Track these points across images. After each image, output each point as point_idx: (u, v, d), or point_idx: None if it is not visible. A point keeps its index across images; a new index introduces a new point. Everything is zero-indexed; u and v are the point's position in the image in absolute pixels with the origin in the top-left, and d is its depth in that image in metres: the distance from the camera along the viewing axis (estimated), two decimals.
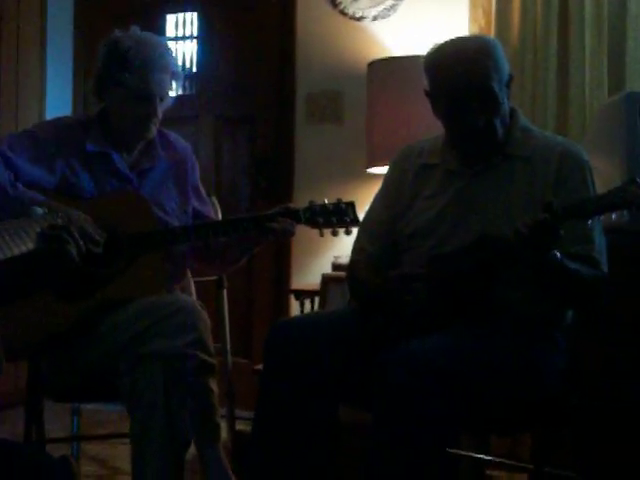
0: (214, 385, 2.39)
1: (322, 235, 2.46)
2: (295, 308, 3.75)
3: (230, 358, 3.03)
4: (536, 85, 3.44)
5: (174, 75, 2.54)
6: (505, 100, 2.23)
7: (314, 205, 2.45)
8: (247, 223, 2.44)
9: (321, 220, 2.44)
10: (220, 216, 2.87)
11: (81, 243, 2.05)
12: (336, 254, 3.58)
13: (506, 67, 2.23)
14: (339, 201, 2.46)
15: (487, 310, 2.13)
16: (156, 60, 2.46)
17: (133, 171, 2.54)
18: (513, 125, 2.29)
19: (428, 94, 2.30)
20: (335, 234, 2.46)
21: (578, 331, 2.31)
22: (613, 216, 1.96)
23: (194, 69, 4.51)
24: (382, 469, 1.93)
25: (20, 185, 2.36)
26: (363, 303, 2.30)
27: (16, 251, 1.87)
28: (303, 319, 2.39)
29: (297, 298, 3.62)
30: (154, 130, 2.55)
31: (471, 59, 2.16)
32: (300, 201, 2.49)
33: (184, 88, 4.38)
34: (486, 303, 2.12)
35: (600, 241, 2.19)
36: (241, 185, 4.32)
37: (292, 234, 2.45)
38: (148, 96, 2.47)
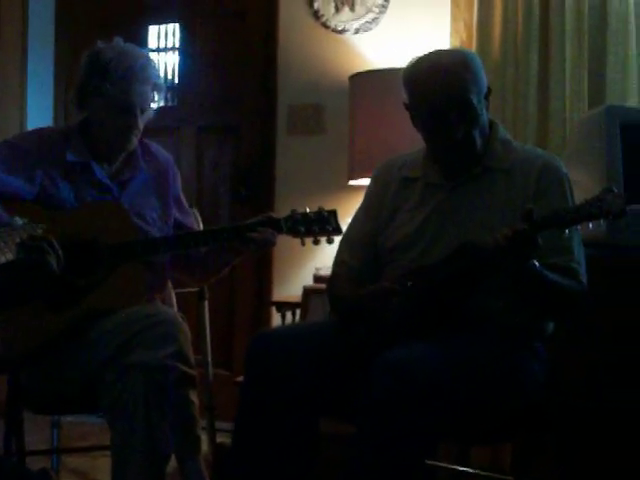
0: (195, 397, 2.39)
1: (304, 244, 2.46)
2: (276, 320, 3.74)
3: (211, 370, 3.03)
4: (517, 98, 3.46)
5: (156, 87, 2.55)
6: (484, 112, 2.24)
7: (296, 214, 2.46)
8: (228, 233, 2.44)
9: (303, 229, 2.44)
10: (201, 227, 2.87)
11: (60, 253, 2.05)
12: (318, 265, 3.58)
13: (484, 80, 2.24)
14: (321, 209, 2.47)
15: (468, 319, 2.14)
16: (137, 72, 2.46)
17: (114, 181, 2.55)
18: (492, 137, 2.31)
19: (407, 107, 2.31)
20: (317, 243, 2.46)
21: (559, 341, 2.32)
22: (590, 226, 1.97)
23: (176, 80, 4.51)
24: (362, 479, 1.93)
25: None
26: (342, 316, 2.30)
27: None
28: (284, 330, 2.39)
29: (279, 310, 3.61)
30: (135, 141, 2.55)
31: (449, 72, 2.17)
32: (282, 212, 2.49)
33: (166, 100, 4.38)
34: (467, 312, 2.13)
35: (579, 252, 2.21)
36: (222, 195, 4.31)
37: (273, 244, 2.45)
38: (129, 107, 2.47)
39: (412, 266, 2.22)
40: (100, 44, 2.52)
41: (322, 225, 2.45)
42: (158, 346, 2.19)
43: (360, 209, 2.50)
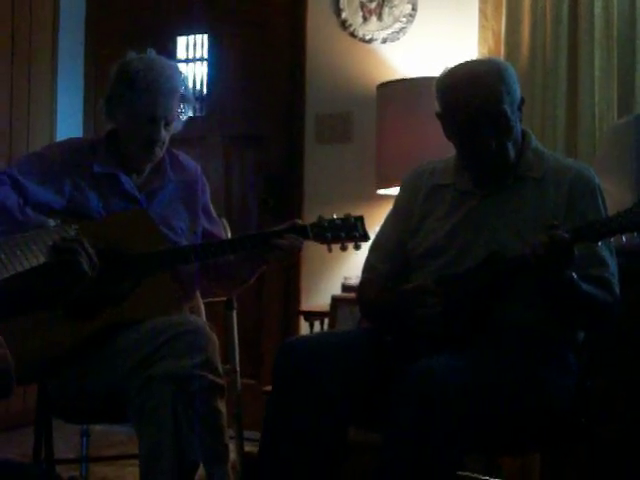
0: (223, 406, 2.36)
1: (330, 250, 2.44)
2: (305, 329, 3.74)
3: (239, 379, 3.02)
4: (545, 106, 3.43)
5: (183, 98, 2.55)
6: (517, 123, 2.23)
7: (322, 220, 2.44)
8: (254, 240, 2.43)
9: (329, 235, 2.42)
10: (229, 236, 2.86)
11: (93, 255, 2.05)
12: (346, 275, 3.57)
13: (518, 90, 2.23)
14: (348, 215, 2.45)
15: (498, 328, 2.12)
16: (162, 83, 2.46)
17: (142, 192, 2.55)
18: (525, 147, 2.30)
19: (440, 116, 2.30)
20: (344, 249, 2.44)
21: (590, 350, 2.29)
22: (624, 238, 1.95)
23: (204, 91, 4.51)
24: None
25: (29, 209, 2.36)
26: (374, 322, 2.29)
27: (27, 265, 1.86)
28: (312, 339, 2.37)
29: (307, 319, 3.61)
30: (159, 153, 2.55)
31: (483, 83, 2.16)
32: (309, 219, 2.48)
33: (194, 110, 4.38)
34: (497, 321, 2.12)
35: (612, 263, 2.19)
36: (250, 205, 4.31)
37: (299, 250, 2.44)
38: (153, 119, 2.47)
39: (444, 273, 2.21)
40: (132, 54, 2.53)
41: (349, 231, 2.43)
42: (187, 355, 2.18)
43: (390, 215, 2.50)
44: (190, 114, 2.65)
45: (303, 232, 2.43)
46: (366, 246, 2.48)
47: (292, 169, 4.15)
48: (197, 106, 4.42)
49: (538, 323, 2.14)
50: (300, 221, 2.47)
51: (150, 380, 2.15)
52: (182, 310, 2.54)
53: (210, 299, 2.92)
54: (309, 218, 2.47)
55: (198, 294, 2.77)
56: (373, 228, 2.51)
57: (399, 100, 3.41)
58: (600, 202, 2.22)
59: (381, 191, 3.53)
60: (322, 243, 2.44)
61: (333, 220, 2.44)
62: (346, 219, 2.45)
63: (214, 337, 2.29)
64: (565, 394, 2.19)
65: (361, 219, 2.46)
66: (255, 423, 2.51)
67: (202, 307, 2.83)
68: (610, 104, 3.33)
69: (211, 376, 2.22)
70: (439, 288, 2.15)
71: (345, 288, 3.51)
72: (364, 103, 3.83)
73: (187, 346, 2.19)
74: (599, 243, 2.01)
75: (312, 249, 2.50)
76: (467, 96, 2.16)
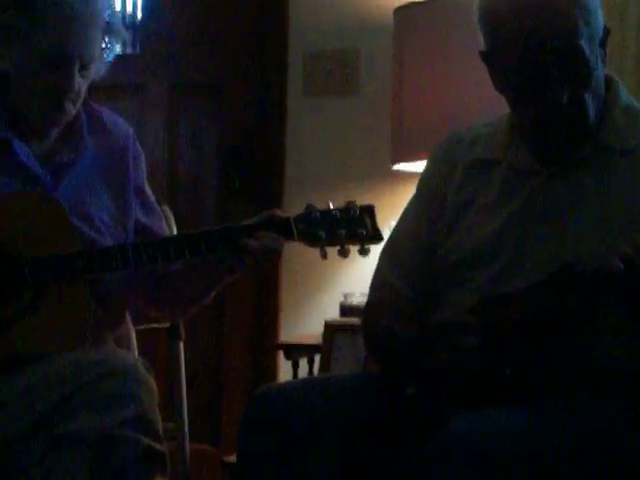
0: None
1: (325, 257, 2.44)
2: (285, 371, 3.75)
3: (188, 444, 3.02)
4: None
5: (109, 29, 2.55)
6: (599, 65, 2.23)
7: (313, 211, 2.44)
8: (212, 239, 2.43)
9: (323, 234, 2.42)
10: (175, 232, 2.87)
11: None
12: (346, 291, 3.59)
13: (600, 17, 2.23)
14: (350, 204, 2.45)
15: (573, 372, 2.13)
16: (78, 6, 2.46)
17: (46, 166, 2.55)
18: (611, 102, 2.30)
19: (485, 57, 2.30)
20: (344, 254, 2.44)
21: None
22: None
23: (138, 17, 4.52)
24: None
25: None
26: (386, 365, 2.28)
27: None
28: (297, 387, 2.37)
29: (289, 356, 3.62)
30: (71, 110, 2.54)
31: (549, 6, 2.16)
32: (293, 208, 2.48)
33: (124, 46, 4.39)
34: (572, 362, 2.13)
35: None
36: (206, 185, 4.32)
37: (278, 255, 2.44)
38: (62, 60, 2.46)
39: (489, 293, 2.21)
40: None
41: (352, 228, 2.43)
42: (110, 408, 2.17)
43: (411, 205, 2.51)
44: (118, 51, 2.65)
45: (285, 228, 2.43)
46: (377, 250, 2.49)
47: (268, 133, 4.16)
48: (129, 40, 4.43)
49: (624, 365, 2.15)
50: (280, 212, 2.47)
51: (56, 444, 2.15)
52: (104, 342, 2.54)
53: (146, 325, 2.92)
54: (293, 208, 2.48)
55: (128, 318, 2.77)
56: (387, 221, 2.52)
57: (427, 30, 3.44)
58: None
59: (399, 167, 3.56)
60: (312, 245, 2.44)
61: (329, 211, 2.44)
62: (347, 210, 2.45)
63: (151, 381, 2.29)
64: None
65: (370, 210, 2.46)
66: None
67: (133, 337, 2.83)
68: None
69: (146, 439, 2.22)
70: (480, 320, 2.15)
71: (345, 310, 3.53)
72: (375, 36, 3.87)
73: (111, 394, 2.18)
74: None
75: (297, 251, 2.50)
76: (526, 26, 2.16)
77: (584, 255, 2.10)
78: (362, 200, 2.49)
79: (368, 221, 2.45)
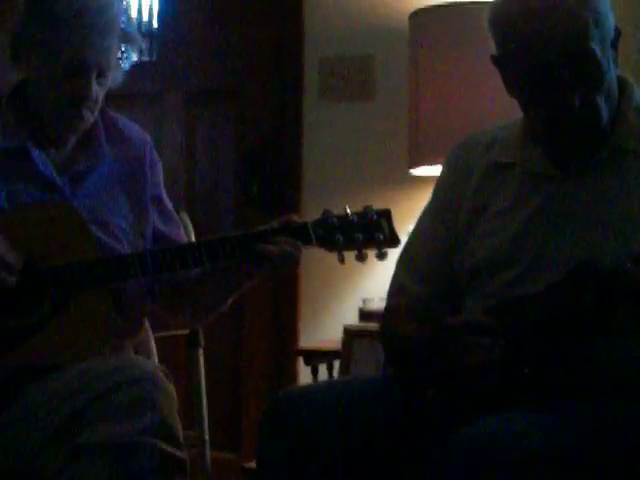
0: None
1: (343, 262, 2.44)
2: (305, 376, 3.75)
3: (209, 451, 3.03)
4: None
5: (125, 37, 2.56)
6: (611, 67, 2.22)
7: (330, 216, 2.44)
8: (231, 246, 2.43)
9: (341, 238, 2.43)
10: (193, 239, 2.87)
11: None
12: (365, 296, 3.59)
13: (611, 19, 2.22)
14: (367, 209, 2.45)
15: (593, 374, 2.12)
16: (94, 16, 2.47)
17: (64, 174, 2.56)
18: (624, 104, 2.29)
19: (496, 61, 2.30)
20: (362, 259, 2.45)
21: None
22: None
23: (154, 25, 4.52)
24: None
25: None
26: (404, 369, 2.29)
27: None
28: (316, 391, 2.37)
29: (308, 362, 3.62)
30: (89, 117, 2.55)
31: (560, 9, 2.15)
32: (310, 214, 2.48)
33: (141, 54, 4.40)
34: (586, 366, 2.12)
35: None
36: (224, 192, 4.32)
37: (297, 260, 2.45)
38: (80, 69, 2.48)
39: (506, 296, 2.21)
40: None
41: (369, 232, 2.44)
42: (129, 416, 2.18)
43: (427, 210, 2.50)
44: (135, 59, 2.65)
45: (302, 234, 2.44)
46: (395, 254, 2.49)
47: (284, 139, 4.16)
48: (145, 48, 4.43)
49: None
50: (297, 217, 2.48)
51: (76, 453, 2.15)
52: (123, 349, 2.55)
53: (165, 333, 2.92)
54: (310, 211, 2.48)
55: (147, 325, 2.78)
56: (405, 226, 2.52)
57: (443, 35, 3.43)
58: None
59: (416, 171, 3.55)
60: (330, 250, 2.45)
61: (346, 216, 2.45)
62: (365, 215, 2.45)
63: (171, 388, 2.29)
64: None
65: (387, 214, 2.46)
66: None
67: (153, 344, 2.84)
68: None
69: (166, 446, 2.22)
70: (498, 321, 2.14)
71: (364, 315, 3.52)
72: (391, 41, 3.86)
73: (129, 402, 2.19)
74: None
75: (315, 256, 2.50)
76: (536, 30, 2.15)
77: (601, 255, 2.10)
78: (379, 205, 2.49)
79: (385, 225, 2.45)
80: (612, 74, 2.24)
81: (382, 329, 2.47)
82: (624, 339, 2.13)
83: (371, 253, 2.45)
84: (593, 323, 2.09)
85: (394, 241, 2.44)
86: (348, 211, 2.46)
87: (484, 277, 2.31)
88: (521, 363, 2.12)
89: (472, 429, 1.97)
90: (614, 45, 2.23)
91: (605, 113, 2.23)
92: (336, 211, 2.46)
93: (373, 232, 2.44)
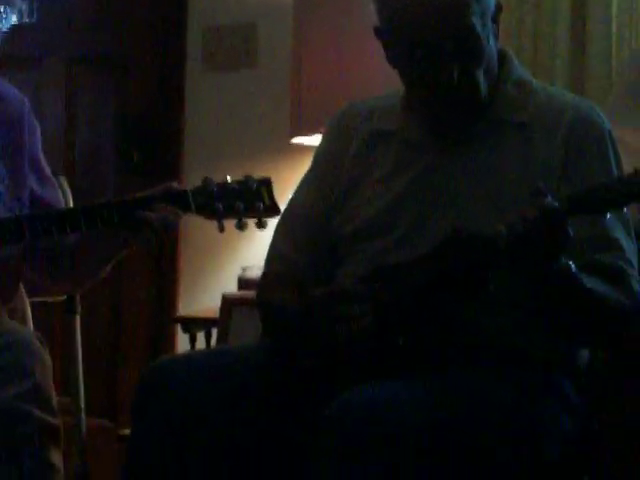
0: (58, 458, 2.36)
1: (222, 230, 2.44)
2: (183, 344, 3.74)
3: (84, 419, 3.01)
4: (539, 20, 3.47)
5: None
6: (491, 41, 2.24)
7: (210, 184, 2.43)
8: (109, 211, 2.41)
9: (221, 206, 2.42)
10: (71, 205, 2.84)
11: None
12: (245, 264, 3.59)
13: None
14: (248, 178, 2.45)
15: (461, 343, 2.15)
16: None
17: None
18: (503, 76, 2.32)
19: (378, 32, 2.30)
20: (242, 228, 2.44)
21: (596, 378, 2.33)
22: None
23: None
24: None
25: None
26: (279, 338, 2.29)
27: None
28: (192, 359, 2.37)
29: (186, 330, 3.62)
30: None
31: None
32: (191, 182, 2.47)
33: (20, 15, 4.33)
34: (460, 333, 2.14)
35: (628, 246, 2.21)
36: (104, 158, 4.29)
37: (176, 228, 2.44)
38: None
39: (381, 263, 2.21)
40: None
41: (250, 201, 2.43)
42: (3, 382, 2.16)
43: (306, 178, 2.51)
44: (14, 21, 2.62)
45: (182, 201, 2.42)
46: (274, 223, 2.49)
47: (166, 107, 4.14)
48: (25, 9, 4.36)
49: (519, 336, 2.17)
50: (178, 185, 2.47)
51: None
52: None
53: (41, 298, 2.89)
54: (191, 181, 2.47)
55: (22, 291, 2.74)
56: (285, 194, 2.52)
57: (325, 6, 3.44)
58: (612, 156, 2.26)
59: (297, 140, 3.57)
60: (210, 218, 2.44)
61: (226, 184, 2.44)
62: (245, 183, 2.45)
63: (46, 355, 2.28)
64: (563, 438, 2.22)
65: (267, 183, 2.46)
66: None
67: (28, 310, 2.80)
68: (633, 24, 3.39)
69: (41, 413, 2.21)
70: (368, 288, 2.15)
71: (243, 283, 3.53)
72: (274, 11, 3.87)
73: (4, 369, 2.17)
74: (607, 216, 2.02)
75: (194, 224, 2.50)
76: (417, 5, 2.16)
77: (472, 226, 2.11)
78: (261, 173, 2.49)
79: (265, 194, 2.45)
80: (492, 48, 2.26)
81: (258, 296, 2.47)
82: (496, 312, 2.16)
83: (251, 222, 2.45)
84: (464, 290, 2.12)
85: (274, 210, 2.44)
86: (228, 179, 2.45)
87: (361, 243, 2.32)
88: (395, 332, 2.13)
89: (345, 398, 1.97)
90: (495, 19, 2.25)
91: (484, 86, 2.25)
92: (217, 179, 2.45)
93: (253, 201, 2.44)
